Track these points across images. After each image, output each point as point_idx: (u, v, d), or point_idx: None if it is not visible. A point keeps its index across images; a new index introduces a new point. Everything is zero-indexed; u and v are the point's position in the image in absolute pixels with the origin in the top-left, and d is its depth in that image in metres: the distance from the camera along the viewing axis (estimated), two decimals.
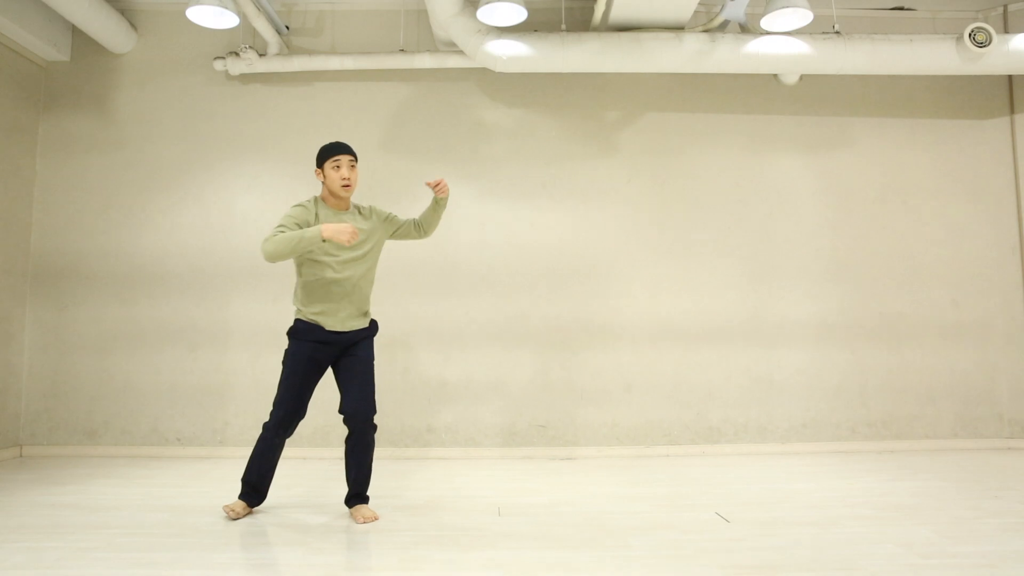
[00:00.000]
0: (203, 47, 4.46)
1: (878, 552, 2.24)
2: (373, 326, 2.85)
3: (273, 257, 2.52)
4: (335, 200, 2.76)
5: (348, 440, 2.74)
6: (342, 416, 2.72)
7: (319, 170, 2.75)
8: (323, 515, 2.77)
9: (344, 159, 2.72)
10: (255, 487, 2.76)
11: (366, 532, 2.52)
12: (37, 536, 2.46)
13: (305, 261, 2.69)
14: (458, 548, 2.31)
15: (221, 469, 3.74)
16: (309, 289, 2.71)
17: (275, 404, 2.70)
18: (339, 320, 2.72)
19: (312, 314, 2.70)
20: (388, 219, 2.90)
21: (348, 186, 2.72)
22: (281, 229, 2.58)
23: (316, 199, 2.77)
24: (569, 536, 2.45)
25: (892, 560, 2.16)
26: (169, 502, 2.97)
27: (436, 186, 2.82)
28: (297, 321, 2.74)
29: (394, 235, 2.93)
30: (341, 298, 2.71)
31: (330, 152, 2.73)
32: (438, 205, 2.91)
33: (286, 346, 2.80)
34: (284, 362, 2.73)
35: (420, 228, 2.96)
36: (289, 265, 4.29)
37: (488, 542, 2.38)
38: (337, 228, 2.53)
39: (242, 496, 2.77)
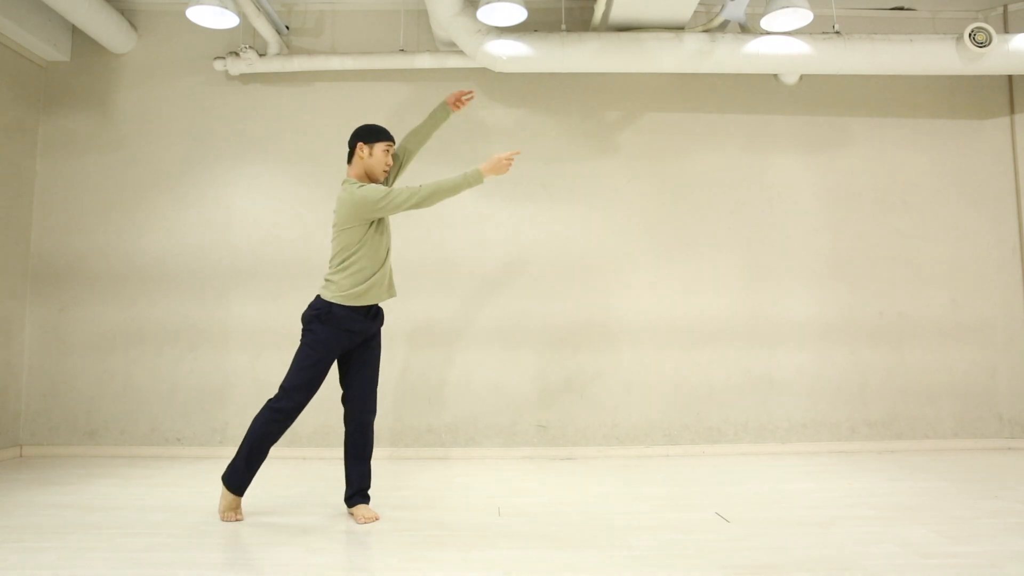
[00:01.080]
0: (203, 47, 4.46)
1: (878, 552, 2.24)
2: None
3: (430, 203, 2.59)
4: (366, 179, 2.78)
5: (353, 433, 2.72)
6: (348, 404, 2.71)
7: (367, 146, 2.73)
8: (323, 515, 2.77)
9: (394, 147, 2.82)
10: (252, 471, 2.67)
11: (366, 532, 2.52)
12: (37, 536, 2.46)
13: (372, 231, 2.67)
14: (458, 548, 2.31)
15: (221, 469, 3.74)
16: (366, 262, 2.66)
17: (294, 388, 2.62)
18: (384, 289, 2.73)
19: (361, 292, 2.65)
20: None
21: (388, 172, 2.83)
22: (389, 194, 2.58)
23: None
24: (569, 536, 2.45)
25: (892, 560, 2.16)
26: (169, 502, 2.97)
27: (458, 99, 2.97)
28: (335, 306, 2.64)
29: (396, 178, 2.97)
30: (387, 265, 2.75)
31: (386, 135, 2.77)
32: (438, 120, 2.99)
33: (312, 329, 2.66)
34: (311, 346, 2.64)
35: (410, 152, 2.97)
36: (290, 264, 4.29)
37: (488, 542, 2.38)
38: (497, 163, 2.62)
39: (233, 490, 2.68)
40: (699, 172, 4.45)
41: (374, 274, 2.68)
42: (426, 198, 2.58)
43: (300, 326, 4.23)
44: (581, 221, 4.38)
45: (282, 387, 2.65)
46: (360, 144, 2.74)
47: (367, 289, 2.67)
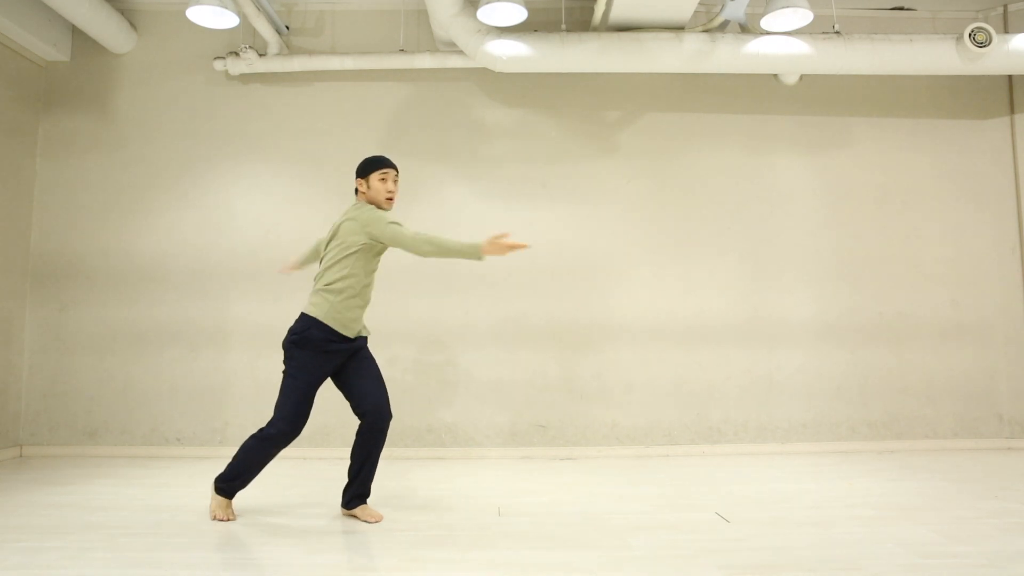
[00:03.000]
0: (203, 47, 4.46)
1: (878, 552, 2.24)
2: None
3: (428, 255, 2.58)
4: None
5: (365, 436, 2.68)
6: (363, 414, 2.66)
7: (363, 180, 2.74)
8: (323, 515, 2.77)
9: (392, 173, 2.76)
10: (243, 484, 2.69)
11: (366, 532, 2.52)
12: (37, 536, 2.46)
13: (370, 262, 2.69)
14: (458, 548, 2.31)
15: (221, 469, 3.73)
16: (355, 292, 2.66)
17: (283, 418, 2.58)
18: (361, 325, 2.76)
19: (346, 320, 2.65)
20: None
21: (392, 199, 2.76)
22: (399, 225, 2.62)
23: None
24: (569, 536, 2.45)
25: (892, 560, 2.16)
26: (169, 502, 2.97)
27: None
28: (312, 329, 2.61)
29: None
30: (368, 301, 2.76)
31: (379, 164, 2.74)
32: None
33: (292, 355, 2.64)
34: (294, 375, 2.61)
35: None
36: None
37: (488, 542, 2.38)
38: (499, 245, 2.52)
39: (222, 493, 2.69)
40: (699, 172, 4.45)
41: (358, 306, 2.69)
42: (422, 249, 2.57)
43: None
44: (581, 221, 4.38)
45: (274, 415, 2.62)
46: (359, 180, 2.76)
47: (351, 320, 2.67)
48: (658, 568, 2.10)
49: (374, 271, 2.75)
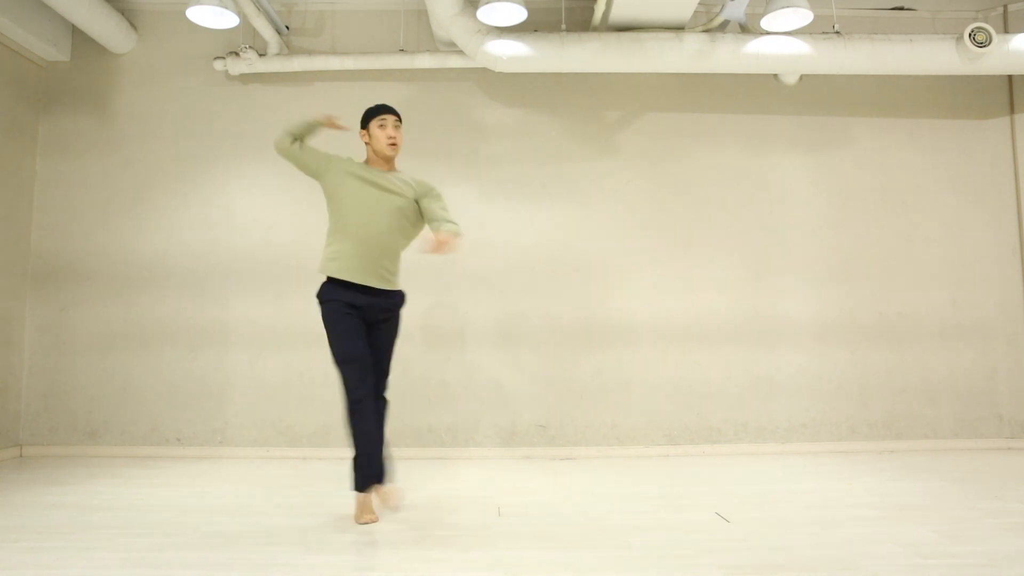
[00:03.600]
0: (203, 47, 4.46)
1: (878, 552, 2.24)
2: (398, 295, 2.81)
3: (283, 146, 2.75)
4: (379, 161, 2.79)
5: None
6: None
7: (364, 131, 2.79)
8: (323, 515, 2.77)
9: (390, 119, 2.76)
10: (366, 465, 2.60)
11: (366, 532, 2.52)
12: (37, 536, 2.46)
13: (330, 199, 2.75)
14: (458, 548, 2.31)
15: (221, 469, 3.74)
16: (334, 232, 2.73)
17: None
18: (360, 271, 2.67)
19: (334, 265, 2.68)
20: (425, 190, 2.81)
21: (394, 144, 2.76)
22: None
23: (358, 162, 2.78)
24: (569, 536, 2.45)
25: (892, 560, 2.16)
26: (169, 502, 2.97)
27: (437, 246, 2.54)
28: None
29: (422, 208, 2.80)
30: (366, 246, 2.70)
31: (376, 112, 2.77)
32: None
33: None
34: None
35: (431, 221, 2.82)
36: (289, 264, 4.29)
37: (488, 542, 2.38)
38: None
39: (361, 488, 2.63)
40: (699, 172, 4.45)
41: (344, 249, 2.67)
42: (280, 137, 2.75)
43: (299, 325, 4.25)
44: (581, 221, 4.38)
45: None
46: (361, 132, 2.83)
47: (340, 263, 2.67)
48: (658, 568, 2.10)
49: (345, 209, 2.70)
